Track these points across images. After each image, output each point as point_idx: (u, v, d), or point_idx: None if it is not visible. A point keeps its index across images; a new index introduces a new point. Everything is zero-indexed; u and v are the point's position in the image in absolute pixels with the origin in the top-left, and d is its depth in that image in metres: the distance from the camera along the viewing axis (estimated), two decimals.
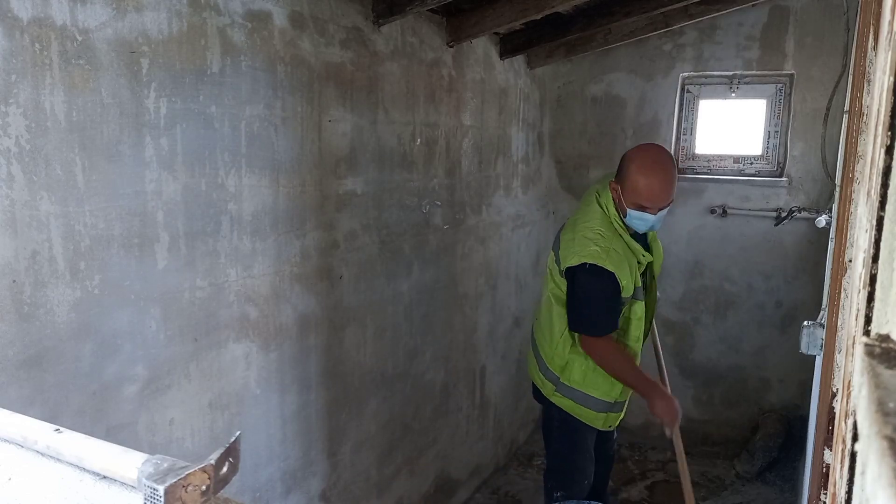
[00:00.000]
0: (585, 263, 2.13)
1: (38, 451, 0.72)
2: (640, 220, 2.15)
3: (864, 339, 0.41)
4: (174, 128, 1.66)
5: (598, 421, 2.44)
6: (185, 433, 1.80)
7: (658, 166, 2.11)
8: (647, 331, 2.47)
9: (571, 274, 2.20)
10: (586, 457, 2.51)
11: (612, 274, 2.11)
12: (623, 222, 2.19)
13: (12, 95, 1.31)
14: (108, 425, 1.58)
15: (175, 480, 0.60)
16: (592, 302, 2.18)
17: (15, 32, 1.30)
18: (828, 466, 1.24)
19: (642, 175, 2.10)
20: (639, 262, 2.23)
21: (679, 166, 4.03)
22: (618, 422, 2.54)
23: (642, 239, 2.32)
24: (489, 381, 3.65)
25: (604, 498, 2.82)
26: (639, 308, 2.27)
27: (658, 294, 2.49)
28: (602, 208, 2.21)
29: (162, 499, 0.59)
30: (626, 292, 2.17)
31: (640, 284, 2.24)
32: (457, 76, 3.01)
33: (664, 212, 2.15)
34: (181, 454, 1.76)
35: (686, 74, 3.91)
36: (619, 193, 2.16)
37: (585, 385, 2.38)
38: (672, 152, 3.99)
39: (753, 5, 3.56)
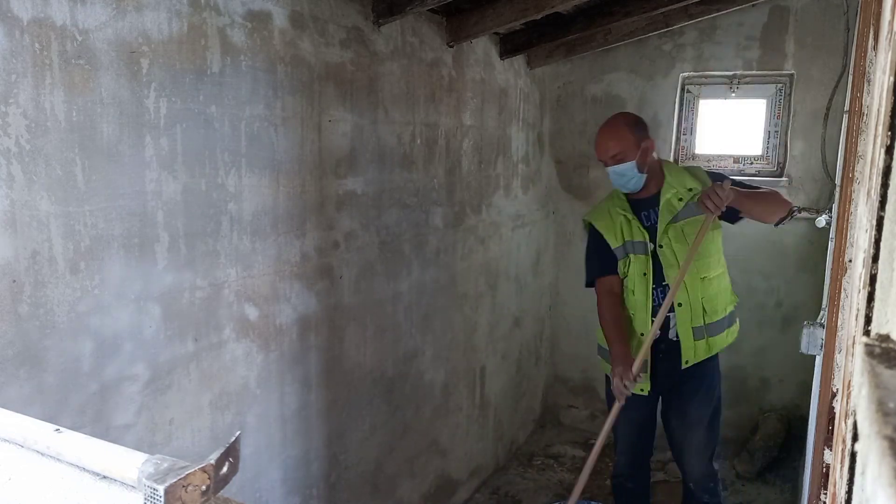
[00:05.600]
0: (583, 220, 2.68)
1: (38, 451, 0.72)
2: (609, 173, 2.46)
3: (864, 339, 0.41)
4: (174, 128, 1.66)
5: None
6: (186, 433, 1.80)
7: (602, 127, 2.47)
8: (665, 290, 2.51)
9: None
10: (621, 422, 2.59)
11: (592, 225, 2.58)
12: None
13: (12, 95, 1.31)
14: (109, 425, 1.58)
15: (175, 480, 0.60)
16: (586, 251, 2.65)
17: (15, 32, 1.30)
18: (828, 466, 1.24)
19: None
20: (640, 223, 2.48)
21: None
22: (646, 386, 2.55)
23: (649, 208, 2.51)
24: (489, 381, 3.64)
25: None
26: (636, 261, 2.48)
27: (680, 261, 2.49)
28: None
29: (162, 499, 0.59)
30: (613, 243, 2.51)
31: (633, 239, 2.48)
32: (457, 76, 3.01)
33: (616, 167, 2.41)
34: (181, 454, 1.76)
35: (686, 74, 3.90)
36: None
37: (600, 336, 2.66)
38: (672, 152, 3.99)
39: (753, 5, 3.56)
